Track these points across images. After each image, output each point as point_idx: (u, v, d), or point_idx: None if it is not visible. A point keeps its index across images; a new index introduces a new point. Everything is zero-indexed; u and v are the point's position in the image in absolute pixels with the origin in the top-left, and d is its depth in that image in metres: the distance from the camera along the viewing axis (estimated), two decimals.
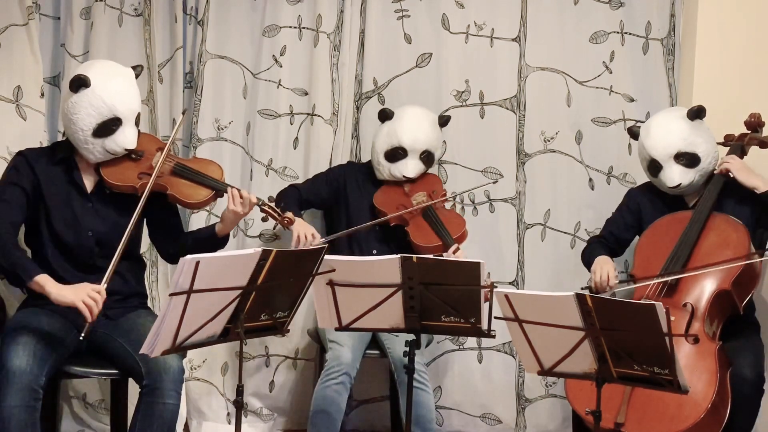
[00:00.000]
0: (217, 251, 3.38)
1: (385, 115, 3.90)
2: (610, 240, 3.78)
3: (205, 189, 3.34)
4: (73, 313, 3.19)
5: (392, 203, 3.82)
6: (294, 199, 3.83)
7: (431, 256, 3.02)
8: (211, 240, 3.37)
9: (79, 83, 3.18)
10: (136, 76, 3.34)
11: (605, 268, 3.55)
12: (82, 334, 2.98)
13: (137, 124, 3.30)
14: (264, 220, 3.45)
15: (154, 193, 3.25)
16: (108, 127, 3.21)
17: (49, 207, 3.22)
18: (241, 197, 3.30)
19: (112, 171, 3.27)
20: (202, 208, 3.40)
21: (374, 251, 3.74)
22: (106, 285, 3.03)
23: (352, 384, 3.49)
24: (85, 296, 2.96)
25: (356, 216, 3.86)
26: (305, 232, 3.67)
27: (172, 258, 3.53)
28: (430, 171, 3.99)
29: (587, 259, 3.72)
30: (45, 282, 3.02)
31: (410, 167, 3.83)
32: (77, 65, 3.81)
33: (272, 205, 3.41)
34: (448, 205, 3.98)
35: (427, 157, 3.87)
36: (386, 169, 3.86)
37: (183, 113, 3.80)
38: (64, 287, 3.02)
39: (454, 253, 3.61)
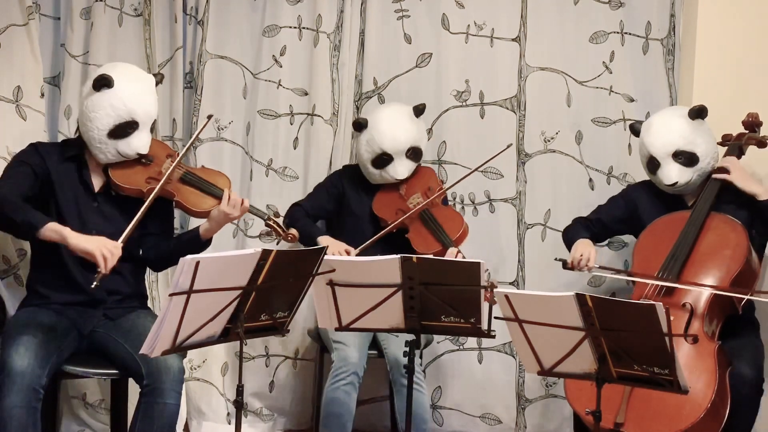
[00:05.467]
0: (199, 254, 3.38)
1: (359, 125, 3.87)
2: (595, 225, 3.80)
3: (212, 198, 3.35)
4: (74, 311, 3.21)
5: (390, 209, 3.81)
6: (304, 218, 3.81)
7: (431, 256, 3.02)
8: (194, 241, 3.36)
9: (103, 82, 3.20)
10: (157, 84, 3.36)
11: (586, 249, 3.59)
12: (94, 283, 3.00)
13: (152, 130, 3.33)
14: (267, 234, 3.45)
15: (157, 199, 3.25)
16: (124, 129, 3.22)
17: (60, 203, 3.23)
18: (235, 200, 3.30)
19: (121, 173, 3.28)
20: (206, 217, 3.41)
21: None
22: (123, 244, 3.07)
23: (360, 383, 3.49)
24: (103, 247, 3.01)
25: (359, 222, 3.84)
26: (339, 251, 3.64)
27: (155, 264, 3.49)
28: (423, 165, 3.99)
29: (570, 237, 3.75)
30: (61, 228, 3.04)
31: (399, 169, 3.81)
32: (77, 65, 3.83)
33: (278, 221, 3.42)
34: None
35: (413, 154, 3.84)
36: (377, 175, 3.85)
37: (208, 118, 3.50)
38: (82, 235, 3.05)
39: (455, 256, 3.59)
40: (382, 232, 3.71)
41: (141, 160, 3.31)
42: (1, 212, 3.07)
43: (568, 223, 4.17)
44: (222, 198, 3.32)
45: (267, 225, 3.40)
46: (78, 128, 3.33)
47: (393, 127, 3.80)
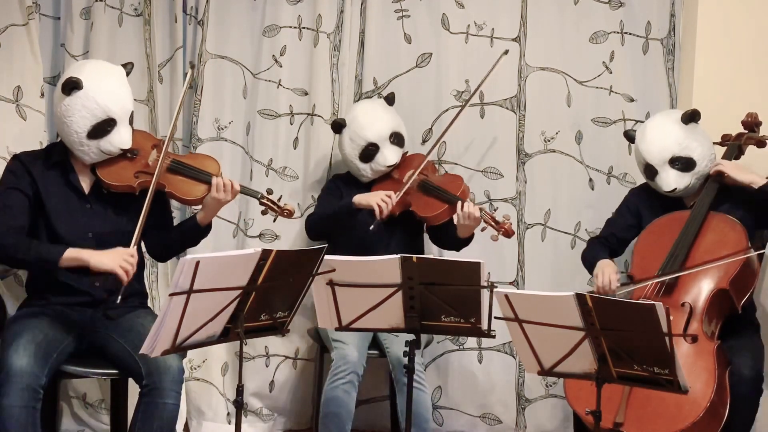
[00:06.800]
0: (200, 241, 3.40)
1: (339, 126, 3.89)
2: (611, 240, 3.77)
3: (203, 185, 3.34)
4: (74, 312, 3.21)
5: None
6: (326, 207, 3.85)
7: (432, 256, 3.02)
8: (194, 230, 3.38)
9: (72, 86, 3.17)
10: (127, 74, 3.33)
11: (607, 271, 3.54)
12: (120, 297, 3.05)
13: (131, 122, 3.30)
14: (264, 213, 3.45)
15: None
16: (102, 128, 3.20)
17: (48, 210, 3.21)
18: (225, 185, 3.30)
19: (109, 171, 3.27)
20: (201, 204, 3.40)
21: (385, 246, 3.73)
22: (135, 248, 3.10)
23: (359, 382, 3.49)
24: (122, 261, 3.05)
25: (361, 220, 3.83)
26: (379, 198, 3.65)
27: (158, 255, 3.54)
28: (411, 152, 3.99)
29: (589, 261, 3.71)
30: (78, 253, 3.06)
31: (388, 156, 3.83)
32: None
33: (271, 197, 3.41)
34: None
35: (397, 139, 3.86)
36: (367, 170, 3.86)
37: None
38: (100, 253, 3.07)
39: (463, 209, 3.58)
40: (395, 203, 3.68)
41: (126, 154, 3.29)
42: (10, 257, 3.11)
43: (567, 223, 4.18)
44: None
45: (261, 203, 3.40)
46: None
47: (371, 118, 3.84)
